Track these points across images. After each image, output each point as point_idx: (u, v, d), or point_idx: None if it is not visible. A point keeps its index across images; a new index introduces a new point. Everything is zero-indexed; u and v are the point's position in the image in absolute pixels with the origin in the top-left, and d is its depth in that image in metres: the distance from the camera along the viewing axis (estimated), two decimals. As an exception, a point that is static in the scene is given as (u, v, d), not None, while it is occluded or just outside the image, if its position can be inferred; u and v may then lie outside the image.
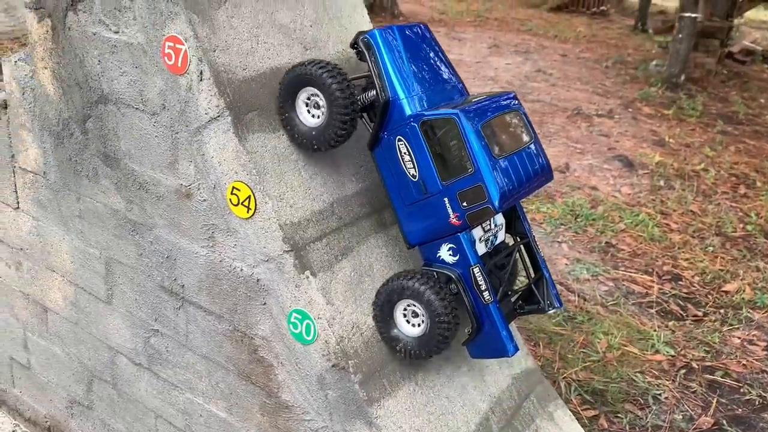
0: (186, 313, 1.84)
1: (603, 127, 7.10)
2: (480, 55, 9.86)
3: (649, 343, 3.69)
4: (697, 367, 3.52)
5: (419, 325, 1.60)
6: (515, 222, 1.78)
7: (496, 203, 1.47)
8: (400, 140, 1.56)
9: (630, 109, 7.76)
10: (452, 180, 1.51)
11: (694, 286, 4.34)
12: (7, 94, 2.04)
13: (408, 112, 1.55)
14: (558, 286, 4.22)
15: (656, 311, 4.02)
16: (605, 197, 5.51)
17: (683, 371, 3.48)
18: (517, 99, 1.66)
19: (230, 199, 1.61)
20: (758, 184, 5.90)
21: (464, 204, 1.51)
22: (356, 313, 1.63)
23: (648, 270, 4.50)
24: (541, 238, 4.79)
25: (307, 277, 1.57)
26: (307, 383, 1.63)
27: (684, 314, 4.01)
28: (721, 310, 4.07)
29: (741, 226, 5.14)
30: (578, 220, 5.09)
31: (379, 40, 1.57)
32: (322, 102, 1.56)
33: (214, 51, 1.56)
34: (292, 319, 1.60)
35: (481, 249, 1.65)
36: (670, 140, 6.85)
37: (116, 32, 1.68)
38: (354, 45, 1.62)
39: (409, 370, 1.70)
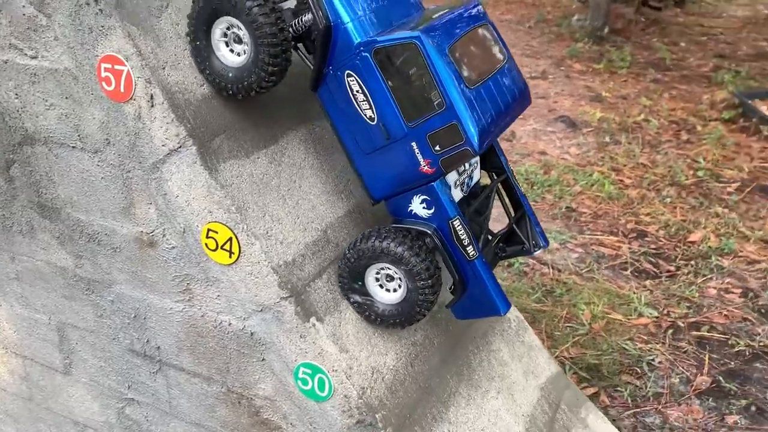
0: (166, 378, 1.56)
1: (539, 90, 7.01)
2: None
3: (631, 307, 3.60)
4: (682, 325, 3.45)
5: (396, 289, 1.37)
6: (489, 156, 1.52)
7: (476, 144, 1.21)
8: (349, 75, 1.26)
9: (562, 68, 7.70)
10: (420, 120, 1.23)
11: (660, 241, 4.30)
12: None
13: (356, 39, 1.25)
14: (529, 260, 4.09)
15: (630, 272, 3.95)
16: (556, 161, 5.41)
17: (670, 332, 3.41)
18: (481, 6, 1.37)
19: (206, 244, 1.34)
20: (698, 128, 5.94)
21: (437, 148, 1.24)
22: (373, 355, 1.40)
23: (613, 230, 4.42)
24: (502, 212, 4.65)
25: (314, 325, 1.33)
26: (327, 443, 1.40)
27: (657, 271, 3.95)
28: (692, 262, 4.03)
29: (692, 173, 5.15)
30: (534, 187, 4.97)
31: None
32: (243, 34, 1.25)
33: (164, 68, 1.28)
34: (301, 375, 1.36)
35: (458, 195, 1.41)
36: (607, 94, 6.83)
37: (34, 57, 1.36)
38: None
39: (438, 408, 1.49)
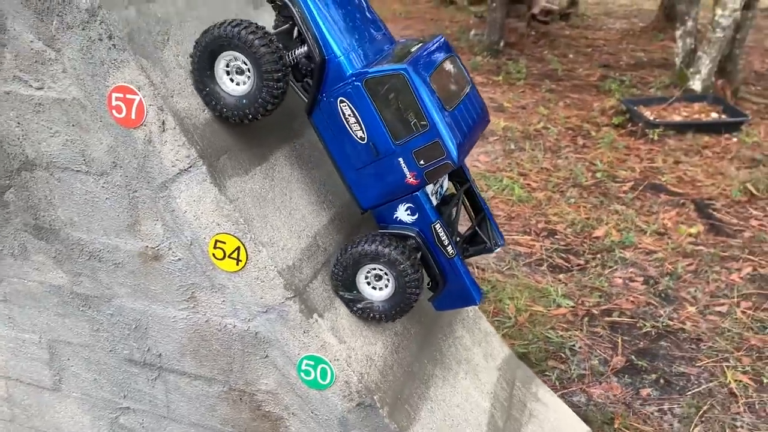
0: (165, 383, 1.67)
1: (446, 101, 7.38)
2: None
3: (550, 299, 3.94)
4: (596, 312, 3.82)
5: (385, 287, 1.57)
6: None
7: (455, 158, 1.43)
8: (342, 102, 1.46)
9: (464, 80, 8.13)
10: (406, 139, 1.44)
11: (569, 238, 4.69)
12: None
13: (348, 70, 1.44)
14: (454, 263, 4.37)
15: (546, 267, 4.30)
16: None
17: (586, 319, 3.76)
18: (447, 42, 1.61)
19: (214, 254, 1.47)
20: (593, 133, 6.47)
21: (421, 162, 1.46)
22: (366, 345, 1.58)
23: (526, 230, 4.78)
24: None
25: (316, 320, 1.49)
26: (327, 428, 1.56)
27: (569, 265, 4.33)
28: (598, 255, 4.43)
29: (590, 174, 5.61)
30: (451, 194, 5.28)
31: None
32: (245, 65, 1.41)
33: (172, 96, 1.41)
34: (304, 367, 1.51)
35: (434, 202, 1.62)
36: (508, 105, 7.29)
37: (40, 88, 1.45)
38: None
39: (421, 388, 1.68)
